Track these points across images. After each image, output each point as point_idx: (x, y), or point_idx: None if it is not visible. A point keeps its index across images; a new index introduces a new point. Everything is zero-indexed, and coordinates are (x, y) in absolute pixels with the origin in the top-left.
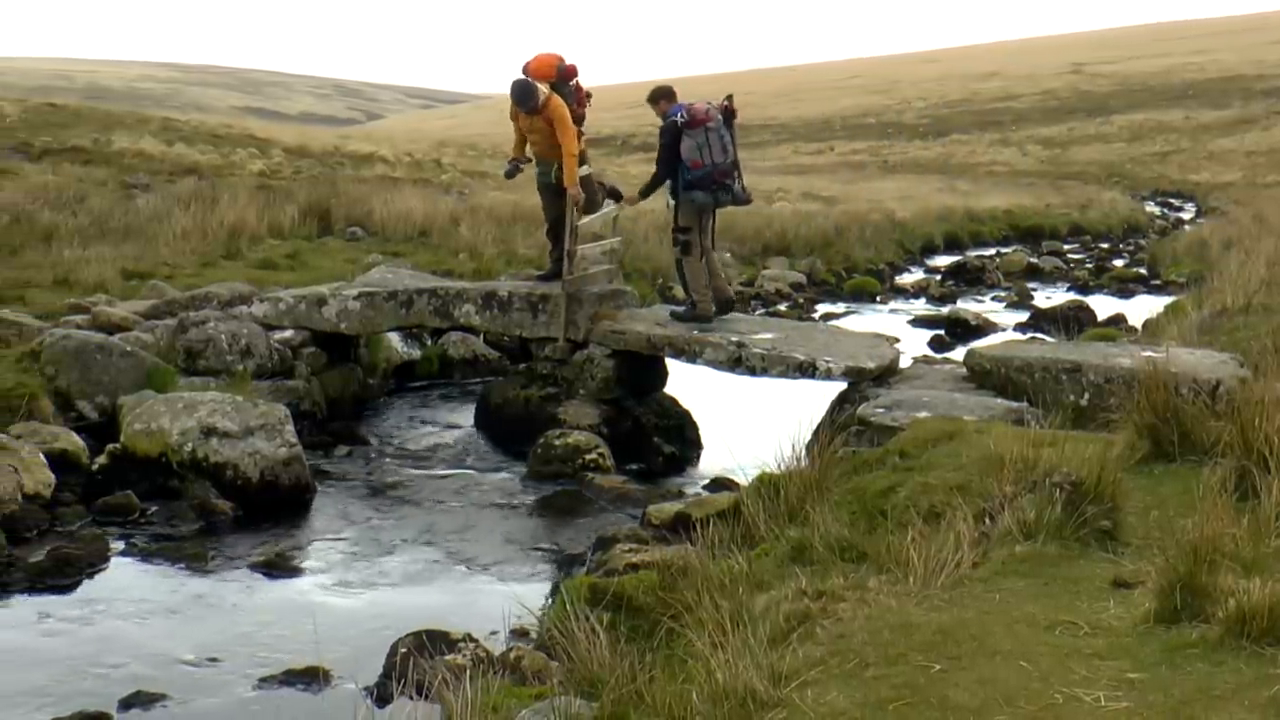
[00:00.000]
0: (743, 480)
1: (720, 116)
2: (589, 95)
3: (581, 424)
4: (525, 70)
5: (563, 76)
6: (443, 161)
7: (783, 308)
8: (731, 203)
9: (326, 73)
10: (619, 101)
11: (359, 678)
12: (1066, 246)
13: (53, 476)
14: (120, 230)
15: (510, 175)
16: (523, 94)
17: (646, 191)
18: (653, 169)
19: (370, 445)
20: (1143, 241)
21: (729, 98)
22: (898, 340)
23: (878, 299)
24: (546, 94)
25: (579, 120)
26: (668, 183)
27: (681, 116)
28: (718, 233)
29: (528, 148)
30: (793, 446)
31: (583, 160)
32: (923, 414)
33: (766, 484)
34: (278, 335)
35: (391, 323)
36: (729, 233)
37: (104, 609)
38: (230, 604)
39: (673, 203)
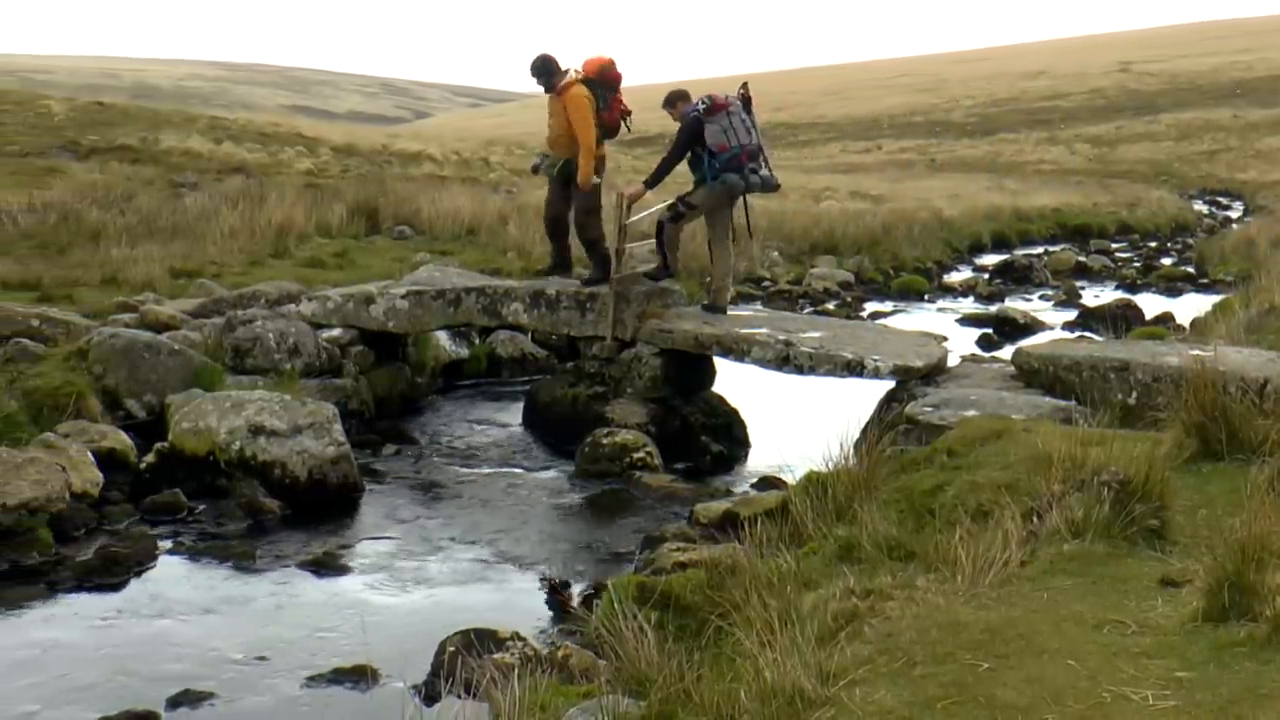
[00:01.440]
0: (791, 479)
1: (739, 103)
2: (627, 112)
3: (629, 423)
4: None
5: (602, 76)
6: (490, 160)
7: (830, 306)
8: (761, 188)
9: (374, 71)
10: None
11: (407, 676)
12: (1114, 245)
13: (100, 475)
14: (168, 229)
15: (535, 170)
16: (537, 69)
17: (652, 182)
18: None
19: (418, 444)
20: (1190, 240)
21: (744, 85)
22: (945, 339)
23: (925, 297)
24: (568, 80)
25: (611, 131)
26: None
27: (703, 103)
28: (766, 231)
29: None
30: (840, 445)
31: (600, 167)
32: (971, 413)
33: (814, 483)
34: (325, 334)
35: (439, 321)
36: (777, 231)
37: (152, 608)
38: (278, 603)
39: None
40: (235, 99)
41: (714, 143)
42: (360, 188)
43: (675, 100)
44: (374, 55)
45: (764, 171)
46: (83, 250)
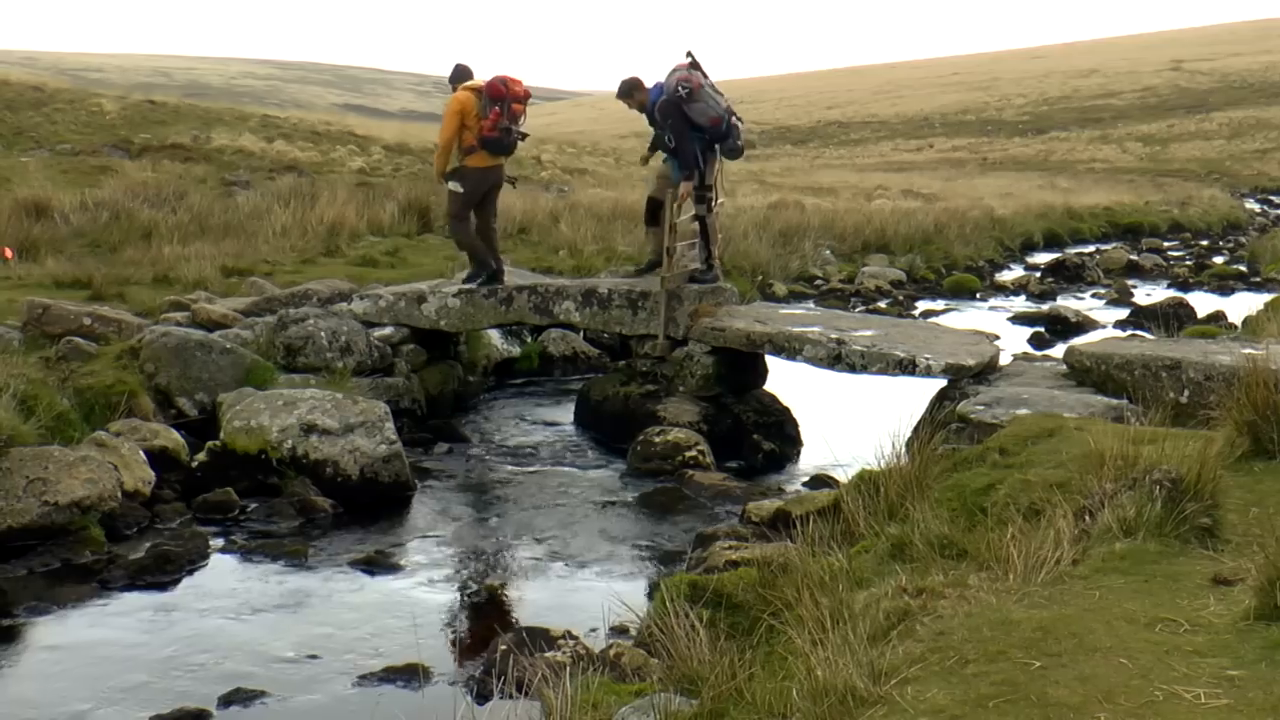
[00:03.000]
0: (843, 477)
1: (700, 74)
2: (519, 132)
3: (681, 421)
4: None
5: (486, 89)
6: (542, 159)
7: (883, 304)
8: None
9: (427, 70)
10: None
11: (459, 674)
12: (1166, 244)
13: (152, 474)
14: (220, 227)
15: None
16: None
17: (690, 175)
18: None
19: (470, 442)
20: (1242, 239)
21: (689, 53)
22: (997, 337)
23: (977, 296)
24: (457, 89)
25: (491, 143)
26: (664, 151)
27: (683, 89)
28: (818, 230)
29: None
30: (892, 443)
31: (494, 178)
32: (1023, 411)
33: (866, 481)
34: (377, 332)
35: (491, 320)
36: (830, 230)
37: (204, 606)
38: (330, 601)
39: (680, 173)
40: (287, 97)
41: (704, 121)
42: (412, 186)
43: (632, 90)
44: (426, 53)
45: (739, 123)
46: (134, 248)
